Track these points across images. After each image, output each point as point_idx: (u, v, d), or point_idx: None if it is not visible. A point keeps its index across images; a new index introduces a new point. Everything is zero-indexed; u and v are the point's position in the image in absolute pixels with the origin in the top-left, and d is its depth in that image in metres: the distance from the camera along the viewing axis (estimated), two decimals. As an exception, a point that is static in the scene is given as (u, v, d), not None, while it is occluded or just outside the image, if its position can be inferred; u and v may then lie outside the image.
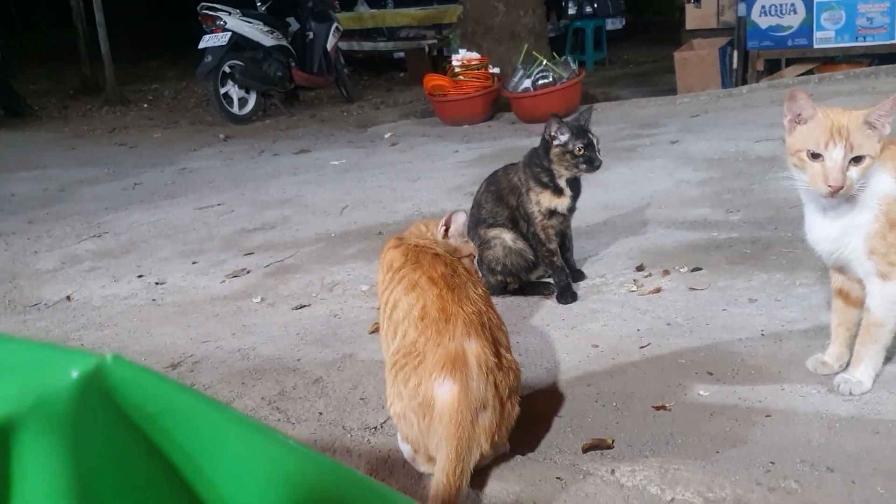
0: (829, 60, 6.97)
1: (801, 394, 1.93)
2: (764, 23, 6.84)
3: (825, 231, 1.84)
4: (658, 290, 2.69)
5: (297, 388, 2.28)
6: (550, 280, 2.82)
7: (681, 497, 1.58)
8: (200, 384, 2.38)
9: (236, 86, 7.97)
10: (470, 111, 6.77)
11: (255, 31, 8.10)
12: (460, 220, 1.92)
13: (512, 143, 5.57)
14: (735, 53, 7.18)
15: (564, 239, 2.86)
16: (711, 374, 2.08)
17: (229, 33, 7.71)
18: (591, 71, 10.04)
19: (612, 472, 1.69)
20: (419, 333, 1.64)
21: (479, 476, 1.68)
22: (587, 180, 2.89)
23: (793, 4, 6.71)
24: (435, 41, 10.34)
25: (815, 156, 1.73)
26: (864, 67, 6.56)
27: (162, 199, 5.11)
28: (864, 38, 6.58)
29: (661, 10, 15.22)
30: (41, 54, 13.63)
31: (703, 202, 3.63)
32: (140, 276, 3.55)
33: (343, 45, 9.75)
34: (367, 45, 11.22)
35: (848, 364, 1.96)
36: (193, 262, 3.68)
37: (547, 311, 2.68)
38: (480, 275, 2.79)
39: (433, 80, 6.96)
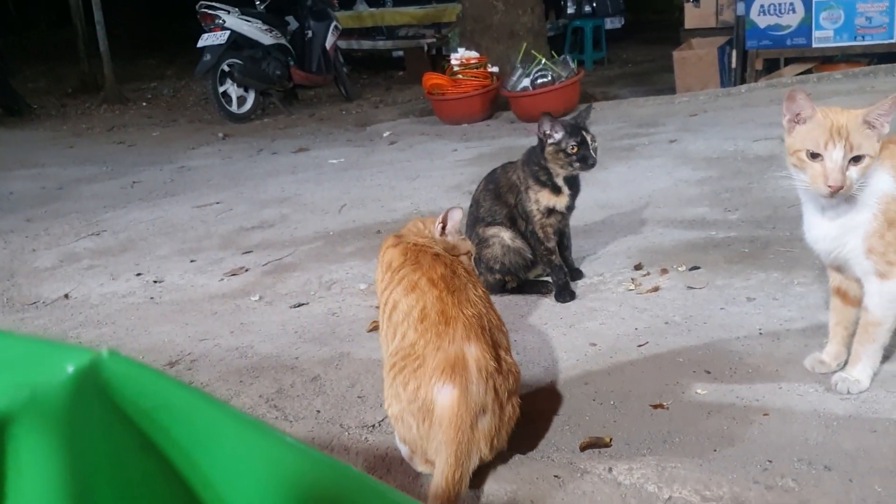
0: (827, 60, 6.97)
1: (799, 392, 1.94)
2: (763, 22, 6.84)
3: (823, 230, 1.84)
4: (656, 289, 2.69)
5: (295, 387, 2.28)
6: (549, 279, 2.82)
7: (678, 495, 1.58)
8: (198, 382, 2.38)
9: (235, 84, 7.97)
10: (469, 110, 6.77)
11: (254, 30, 8.09)
12: (456, 217, 1.92)
13: (510, 141, 5.57)
14: (734, 53, 7.18)
15: (563, 238, 2.85)
16: (709, 372, 2.09)
17: (228, 32, 7.70)
18: (590, 70, 10.04)
19: (610, 470, 1.69)
20: (419, 336, 1.64)
21: (477, 474, 1.68)
22: (586, 179, 2.89)
23: (791, 4, 6.71)
24: (434, 40, 10.34)
25: (814, 156, 1.73)
26: (862, 67, 6.56)
27: (160, 198, 5.10)
28: (863, 37, 6.58)
29: (660, 10, 15.22)
30: (40, 53, 13.60)
31: (701, 201, 3.63)
32: (138, 275, 3.55)
33: (342, 44, 9.75)
34: (366, 44, 11.21)
35: (846, 363, 1.96)
36: (192, 261, 3.68)
37: (545, 309, 2.68)
38: (477, 272, 2.80)
39: (432, 79, 6.96)
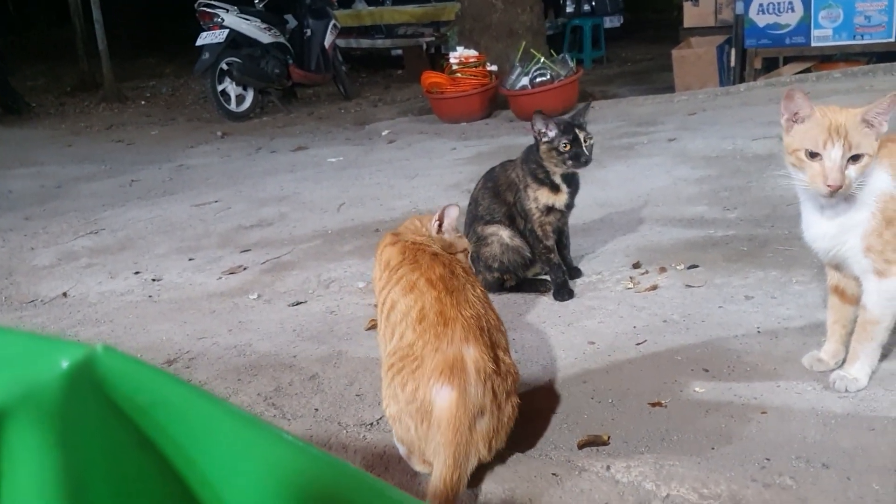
0: (826, 59, 6.97)
1: (797, 391, 1.94)
2: (762, 21, 6.84)
3: (822, 229, 1.84)
4: (654, 288, 2.69)
5: (293, 385, 2.28)
6: (547, 277, 2.82)
7: (675, 493, 1.58)
8: (197, 380, 2.38)
9: (234, 83, 7.96)
10: (467, 109, 6.77)
11: (253, 29, 8.08)
12: (453, 215, 1.92)
13: (509, 140, 5.57)
14: (733, 51, 7.18)
15: (561, 236, 2.85)
16: (707, 370, 2.09)
17: (227, 30, 7.70)
18: (589, 69, 10.03)
19: (608, 468, 1.69)
20: (417, 336, 1.64)
21: (476, 472, 1.68)
22: (584, 178, 2.89)
23: (790, 2, 6.71)
24: (433, 39, 10.34)
25: (813, 155, 1.73)
26: (861, 66, 6.55)
27: (159, 196, 5.10)
28: (862, 36, 6.58)
29: (659, 9, 15.20)
30: (39, 51, 13.60)
31: (700, 200, 3.63)
32: (137, 273, 3.55)
33: (341, 43, 9.74)
34: (365, 43, 11.21)
35: (844, 361, 1.96)
36: (190, 259, 3.68)
37: (543, 308, 2.68)
38: (476, 270, 2.79)
39: (431, 78, 6.96)
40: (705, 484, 1.60)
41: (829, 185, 1.70)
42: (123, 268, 3.64)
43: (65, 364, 0.55)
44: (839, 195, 1.73)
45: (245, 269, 3.46)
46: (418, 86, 7.49)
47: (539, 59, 6.46)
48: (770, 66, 7.22)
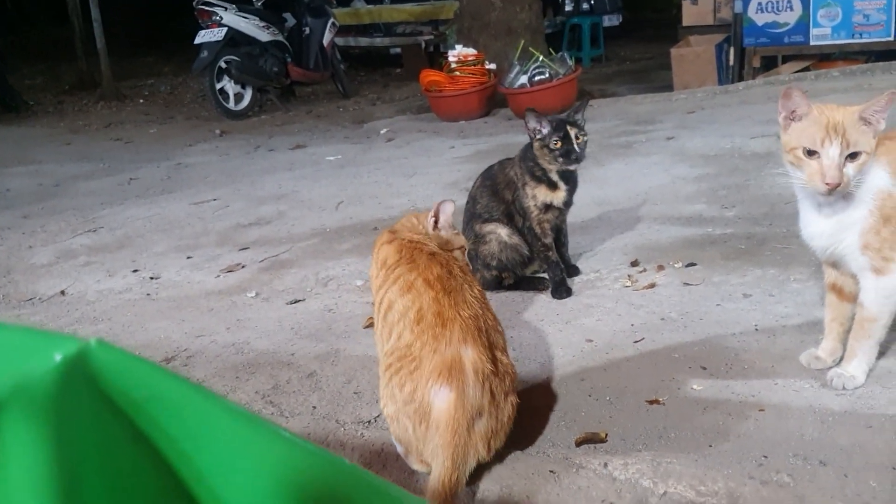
0: (825, 57, 6.98)
1: (795, 388, 1.94)
2: (760, 20, 6.84)
3: (820, 227, 1.84)
4: (652, 286, 2.69)
5: (291, 383, 2.28)
6: (545, 275, 2.82)
7: (673, 490, 1.58)
8: (194, 378, 2.38)
9: (232, 81, 7.96)
10: (466, 107, 6.77)
11: (252, 27, 8.08)
12: (448, 211, 1.92)
13: (508, 139, 5.57)
14: (731, 50, 7.18)
15: (560, 234, 2.85)
16: (705, 368, 2.09)
17: (225, 28, 7.69)
18: (588, 67, 10.04)
19: (605, 465, 1.69)
20: (415, 337, 1.64)
21: (474, 469, 1.67)
22: (583, 176, 2.89)
23: (789, 1, 6.71)
24: (431, 37, 10.34)
25: (811, 153, 1.73)
26: (860, 64, 6.56)
27: (157, 195, 5.10)
28: (861, 35, 6.59)
29: (658, 7, 15.21)
30: (37, 50, 13.59)
31: (698, 198, 3.63)
32: (135, 271, 3.55)
33: (339, 41, 9.74)
34: (364, 41, 11.21)
35: (841, 359, 1.96)
36: (188, 257, 3.67)
37: (541, 306, 2.68)
38: (474, 268, 2.79)
39: (429, 76, 6.96)
40: (703, 481, 1.60)
41: (827, 183, 1.70)
42: (122, 266, 3.64)
43: (58, 357, 0.55)
44: (837, 193, 1.73)
45: (243, 267, 3.45)
46: (417, 84, 7.49)
47: (538, 57, 6.46)
48: (769, 64, 7.23)
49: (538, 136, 2.65)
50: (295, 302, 2.96)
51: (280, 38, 8.45)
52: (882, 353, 1.95)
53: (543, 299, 2.73)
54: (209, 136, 7.33)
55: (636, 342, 2.29)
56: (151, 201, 4.90)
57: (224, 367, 2.44)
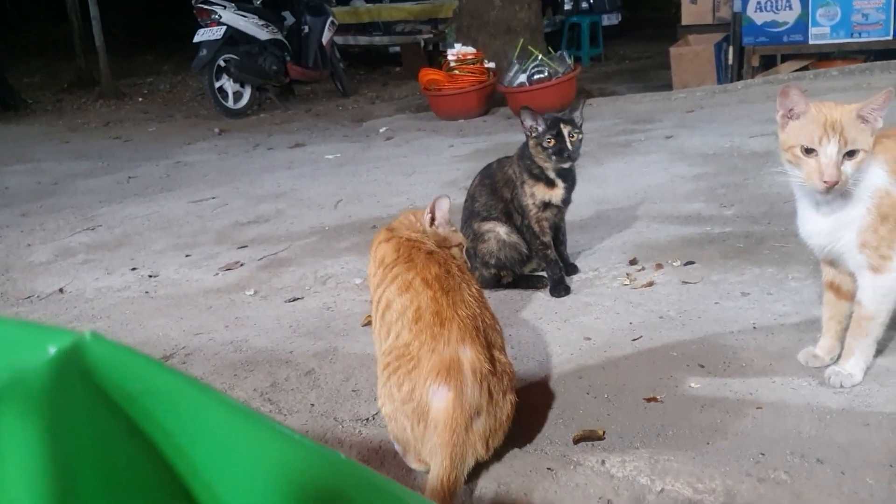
0: (824, 56, 6.97)
1: (792, 386, 1.94)
2: (759, 19, 6.84)
3: (818, 225, 1.84)
4: (651, 284, 2.69)
5: (290, 380, 2.28)
6: (544, 273, 2.82)
7: (670, 487, 1.58)
8: (193, 376, 2.38)
9: (231, 80, 7.95)
10: (465, 106, 6.77)
11: (251, 25, 8.07)
12: (444, 207, 1.92)
13: (507, 137, 5.57)
14: (730, 49, 7.18)
15: (558, 232, 2.85)
16: (703, 366, 2.09)
17: (224, 27, 7.69)
18: (587, 66, 10.03)
19: (603, 462, 1.69)
20: (413, 337, 1.64)
21: (472, 468, 1.68)
22: (582, 174, 2.89)
23: (788, 0, 6.71)
24: (431, 36, 10.33)
25: (808, 151, 1.73)
26: (859, 63, 6.56)
27: (156, 193, 5.10)
28: (860, 34, 6.59)
29: (658, 7, 15.20)
30: (36, 48, 13.58)
31: (697, 197, 3.63)
32: (133, 269, 3.55)
33: (339, 40, 9.73)
34: (363, 40, 11.20)
35: (839, 357, 1.96)
36: (187, 255, 3.67)
37: (540, 304, 2.68)
38: (473, 267, 2.79)
39: (428, 75, 6.95)
40: (700, 479, 1.60)
41: (824, 181, 1.70)
42: (120, 264, 3.64)
43: (52, 350, 0.55)
44: (835, 191, 1.73)
45: (242, 265, 3.45)
46: (416, 83, 7.49)
47: (537, 56, 6.46)
48: (768, 63, 7.23)
49: (534, 134, 2.65)
50: (293, 300, 2.96)
51: (279, 36, 8.44)
52: (880, 352, 1.95)
53: (542, 297, 2.73)
54: (208, 134, 7.32)
55: (634, 340, 2.29)
56: (150, 200, 4.90)
57: (222, 365, 2.44)
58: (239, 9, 8.01)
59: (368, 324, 2.54)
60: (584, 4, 11.41)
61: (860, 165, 1.72)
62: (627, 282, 2.75)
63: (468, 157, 5.15)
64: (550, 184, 2.70)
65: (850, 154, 1.70)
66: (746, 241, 2.96)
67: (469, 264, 2.66)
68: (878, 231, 1.77)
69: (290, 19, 8.74)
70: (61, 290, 3.36)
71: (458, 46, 6.96)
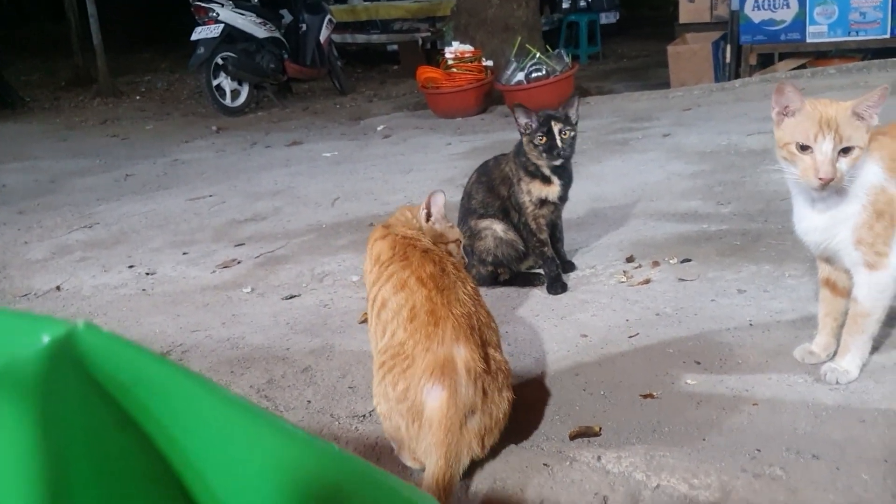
0: (821, 55, 6.98)
1: (788, 383, 1.94)
2: (757, 17, 6.84)
3: (813, 222, 1.84)
4: (647, 281, 2.70)
5: (286, 377, 2.28)
6: (541, 271, 2.82)
7: (666, 483, 1.59)
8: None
9: (229, 78, 7.95)
10: (463, 104, 6.77)
11: (248, 23, 8.07)
12: (439, 202, 1.92)
13: (504, 135, 5.57)
14: (728, 48, 7.18)
15: (555, 230, 2.86)
16: (699, 363, 2.09)
17: (222, 25, 7.68)
18: (585, 65, 10.03)
19: (599, 458, 1.70)
20: (408, 336, 1.64)
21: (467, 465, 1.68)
22: (579, 172, 2.89)
23: (786, -1, 6.72)
24: (428, 34, 10.33)
25: (804, 148, 1.73)
26: (856, 62, 6.57)
27: (154, 191, 5.09)
28: (857, 32, 6.59)
29: (655, 5, 15.21)
30: (33, 46, 13.56)
31: (694, 195, 3.64)
32: (131, 267, 3.54)
33: (336, 38, 9.73)
34: (361, 38, 11.19)
35: (835, 354, 1.97)
36: (184, 253, 3.67)
37: (537, 301, 2.68)
38: (470, 264, 2.80)
39: (426, 73, 6.95)
40: (695, 474, 1.60)
41: (820, 178, 1.70)
42: (117, 261, 3.64)
43: (46, 340, 0.55)
44: (830, 188, 1.73)
45: (239, 262, 3.45)
46: (414, 81, 7.49)
47: (535, 54, 6.46)
48: (765, 62, 7.23)
49: (527, 132, 2.65)
50: (290, 297, 2.96)
51: (277, 34, 8.43)
52: (875, 348, 1.96)
53: (539, 295, 2.74)
54: (206, 132, 7.32)
55: (631, 337, 2.29)
56: (147, 197, 4.90)
57: (219, 362, 2.44)
58: (237, 6, 8.00)
59: (365, 321, 2.54)
60: (582, 3, 11.41)
61: (855, 162, 1.72)
62: (624, 279, 2.75)
63: (466, 154, 5.15)
64: (546, 181, 2.70)
65: (846, 151, 1.71)
66: (743, 239, 2.97)
67: (466, 261, 2.66)
68: (873, 228, 1.77)
69: (287, 17, 8.74)
70: (58, 288, 3.36)
71: (455, 44, 6.96)
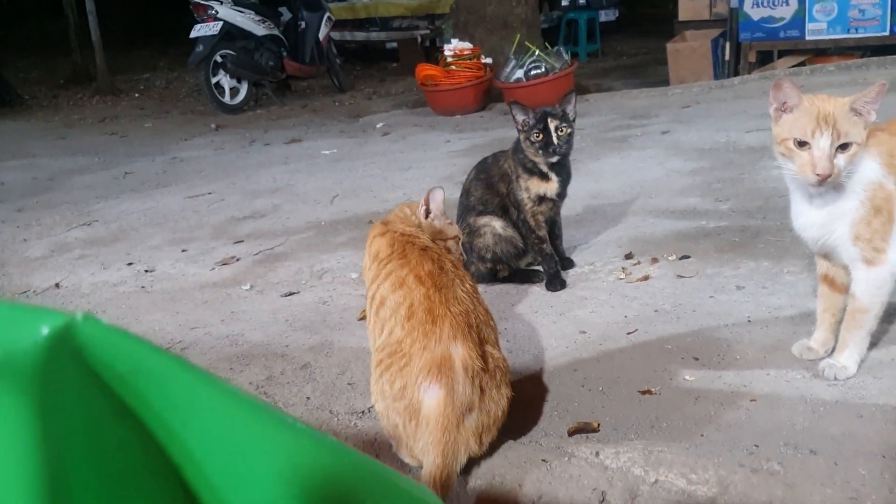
0: (820, 52, 6.98)
1: (787, 379, 1.95)
2: (756, 14, 6.84)
3: (811, 218, 1.85)
4: (646, 278, 2.70)
5: (285, 374, 2.28)
6: (540, 268, 2.82)
7: (664, 478, 1.59)
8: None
9: (228, 75, 7.95)
10: (462, 101, 6.76)
11: (247, 21, 8.06)
12: (438, 198, 1.92)
13: (503, 133, 5.56)
14: (727, 45, 7.18)
15: (554, 227, 2.86)
16: (697, 359, 2.09)
17: (221, 22, 7.68)
18: (584, 62, 10.03)
19: (597, 454, 1.70)
20: (406, 334, 1.64)
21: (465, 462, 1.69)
22: (578, 169, 2.89)
23: (785, -4, 6.72)
24: (428, 31, 10.32)
25: (801, 144, 1.73)
26: (855, 59, 6.57)
27: (152, 188, 5.09)
28: (856, 29, 6.59)
29: (655, 3, 15.19)
30: (32, 44, 13.55)
31: (692, 191, 3.64)
32: (129, 264, 3.55)
33: (335, 35, 9.72)
34: (360, 36, 11.18)
35: (833, 349, 1.97)
36: (183, 250, 3.67)
37: (535, 298, 2.69)
38: (469, 261, 2.80)
39: (425, 70, 6.95)
40: (693, 469, 1.61)
41: (817, 174, 1.70)
42: (116, 259, 3.64)
43: (45, 331, 0.55)
44: (828, 184, 1.73)
45: (238, 260, 3.46)
46: (413, 78, 7.48)
47: (534, 51, 6.46)
48: (764, 59, 7.23)
49: (524, 129, 2.65)
50: (289, 294, 2.97)
51: (276, 32, 8.43)
52: (873, 344, 1.96)
53: (538, 291, 2.74)
54: (204, 130, 7.32)
55: (629, 333, 2.30)
56: (146, 195, 4.90)
57: (218, 359, 2.44)
58: (236, 4, 8.00)
59: (364, 318, 2.54)
60: (582, 0, 11.41)
61: (853, 158, 1.72)
62: (623, 276, 2.75)
63: (465, 152, 5.15)
64: (544, 177, 2.70)
65: (843, 147, 1.71)
66: (742, 236, 2.97)
67: (465, 258, 2.66)
68: (871, 224, 1.77)
69: (286, 15, 8.73)
70: (57, 285, 3.36)
71: (454, 42, 6.95)
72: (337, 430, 1.94)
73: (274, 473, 0.67)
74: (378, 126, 6.68)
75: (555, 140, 2.60)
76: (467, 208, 2.86)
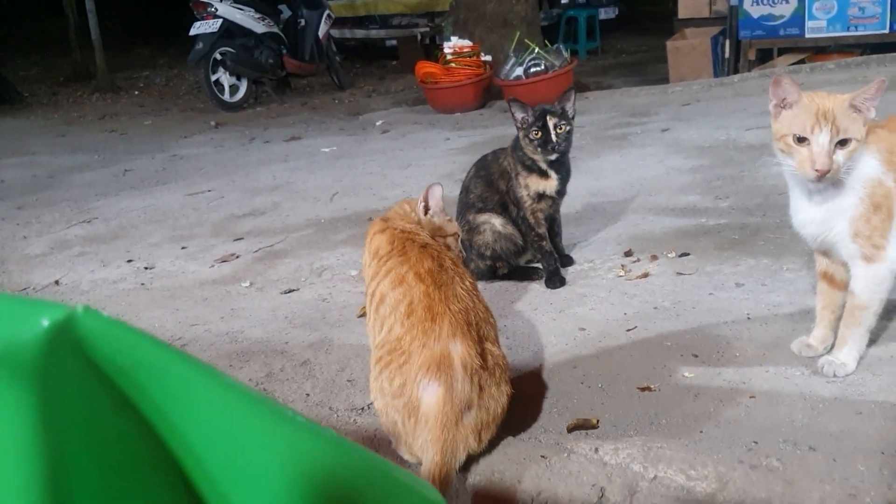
0: (820, 50, 6.98)
1: (786, 375, 1.95)
2: (756, 12, 6.84)
3: (810, 214, 1.85)
4: (646, 275, 2.70)
5: (285, 371, 2.29)
6: (539, 265, 2.82)
7: (663, 474, 1.59)
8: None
9: (227, 73, 7.94)
10: (461, 99, 6.76)
11: (247, 18, 8.05)
12: (437, 195, 1.92)
13: (503, 130, 5.56)
14: (727, 43, 7.17)
15: (553, 224, 2.86)
16: (697, 356, 2.10)
17: (220, 20, 7.67)
18: (584, 60, 10.03)
19: (596, 450, 1.70)
20: (405, 331, 1.65)
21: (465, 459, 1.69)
22: (578, 167, 2.89)
23: (785, -6, 6.72)
24: (427, 29, 10.31)
25: (801, 140, 1.73)
26: (855, 57, 6.57)
27: (152, 186, 5.09)
28: (856, 27, 6.59)
29: (655, 1, 15.18)
30: (32, 41, 13.53)
31: (692, 189, 3.64)
32: (129, 261, 3.55)
33: (335, 33, 9.71)
34: (360, 33, 11.17)
35: (832, 346, 1.97)
36: (183, 248, 3.67)
37: (535, 295, 2.69)
38: (468, 258, 2.80)
39: (425, 68, 6.95)
40: (692, 465, 1.61)
41: (816, 170, 1.70)
42: (116, 256, 3.64)
43: (45, 323, 0.55)
44: (827, 180, 1.73)
45: (237, 257, 3.46)
46: (412, 76, 7.48)
47: (533, 49, 6.45)
48: (764, 57, 7.22)
49: (523, 126, 2.65)
50: (289, 291, 2.97)
51: (275, 29, 8.42)
52: (872, 341, 1.96)
53: (537, 289, 2.74)
54: (204, 127, 7.32)
55: (629, 330, 2.30)
56: (146, 192, 4.90)
57: (218, 356, 2.45)
58: (235, 2, 7.99)
59: (363, 315, 2.54)
60: (582, -2, 11.40)
61: (852, 155, 1.72)
62: (622, 273, 2.75)
63: (464, 150, 5.15)
64: (544, 175, 2.70)
65: (842, 143, 1.71)
66: (741, 233, 2.97)
67: (464, 255, 2.66)
68: (870, 220, 1.77)
69: (286, 12, 8.72)
70: (57, 283, 3.36)
71: (454, 39, 6.95)
72: (336, 426, 1.95)
73: (274, 466, 0.67)
74: (378, 124, 6.67)
75: (553, 138, 2.60)
76: (467, 205, 2.86)
